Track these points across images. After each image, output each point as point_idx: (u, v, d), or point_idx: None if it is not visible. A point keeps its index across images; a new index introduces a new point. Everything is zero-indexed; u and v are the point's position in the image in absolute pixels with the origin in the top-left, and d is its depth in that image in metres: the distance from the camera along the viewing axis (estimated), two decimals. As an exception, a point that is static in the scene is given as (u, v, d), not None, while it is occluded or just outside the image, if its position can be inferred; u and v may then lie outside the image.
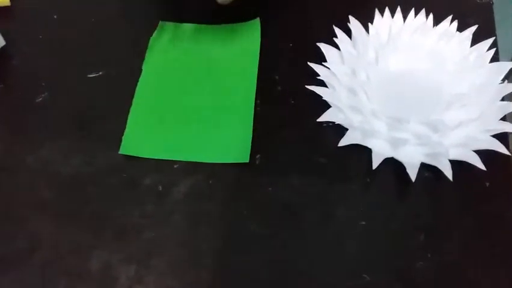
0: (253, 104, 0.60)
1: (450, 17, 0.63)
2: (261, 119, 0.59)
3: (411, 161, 0.54)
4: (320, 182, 0.55)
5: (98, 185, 0.55)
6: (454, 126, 0.54)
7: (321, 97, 0.59)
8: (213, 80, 0.63)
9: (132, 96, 0.61)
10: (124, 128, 0.59)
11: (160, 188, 0.55)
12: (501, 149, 0.54)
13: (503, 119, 0.56)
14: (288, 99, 0.61)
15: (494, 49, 0.60)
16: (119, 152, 0.57)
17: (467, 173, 0.54)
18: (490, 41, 0.60)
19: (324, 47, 0.62)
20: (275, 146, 0.57)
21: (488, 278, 0.49)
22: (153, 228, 0.53)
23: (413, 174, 0.53)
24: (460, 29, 0.62)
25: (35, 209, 0.54)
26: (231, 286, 0.50)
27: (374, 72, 0.59)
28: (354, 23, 0.63)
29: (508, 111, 0.56)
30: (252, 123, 0.58)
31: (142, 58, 0.64)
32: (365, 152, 0.55)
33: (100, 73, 0.64)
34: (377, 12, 0.63)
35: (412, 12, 0.63)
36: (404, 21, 0.63)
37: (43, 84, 0.63)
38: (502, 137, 0.55)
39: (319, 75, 0.60)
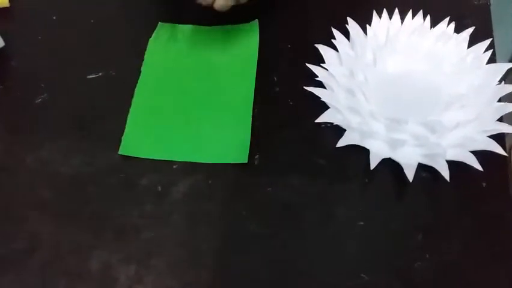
0: (252, 105, 0.60)
1: (447, 19, 0.63)
2: (259, 120, 0.59)
3: (409, 161, 0.54)
4: (318, 182, 0.55)
5: (98, 185, 0.56)
6: (451, 127, 0.55)
7: (320, 98, 0.59)
8: (211, 80, 0.63)
9: (131, 97, 0.61)
10: (124, 128, 0.59)
11: (159, 188, 0.55)
12: (498, 149, 0.54)
13: (500, 119, 0.56)
14: (286, 100, 0.61)
15: (492, 50, 0.61)
16: (119, 153, 0.57)
17: (464, 173, 0.54)
18: (487, 42, 0.61)
19: (322, 49, 0.62)
20: (274, 146, 0.58)
21: (486, 278, 0.50)
22: (153, 228, 0.53)
23: (410, 174, 0.53)
24: (458, 30, 0.63)
25: (35, 209, 0.54)
26: (230, 286, 0.50)
27: (372, 74, 0.60)
28: (352, 25, 0.63)
29: (505, 112, 0.56)
30: (250, 124, 0.59)
31: (141, 59, 0.65)
32: (363, 152, 0.56)
33: (100, 74, 0.64)
34: (374, 13, 0.64)
35: (410, 13, 0.64)
36: (402, 22, 0.64)
37: (42, 85, 0.63)
38: (498, 137, 0.55)
39: (317, 77, 0.60)
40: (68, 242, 0.52)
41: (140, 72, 0.64)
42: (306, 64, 0.61)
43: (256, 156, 0.57)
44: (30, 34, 0.68)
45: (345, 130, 0.57)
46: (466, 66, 0.60)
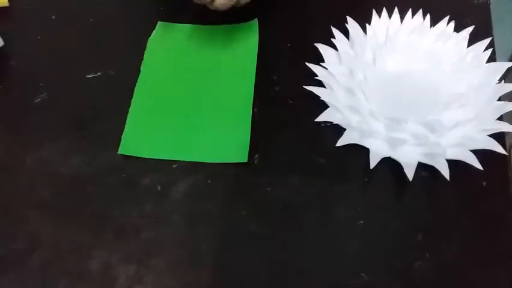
0: (252, 104, 0.60)
1: (447, 18, 0.63)
2: (259, 119, 0.59)
3: (409, 160, 0.54)
4: (318, 182, 0.55)
5: (98, 185, 0.56)
6: (451, 126, 0.55)
7: (319, 97, 0.59)
8: (211, 80, 0.63)
9: (131, 97, 0.61)
10: (123, 128, 0.59)
11: (159, 187, 0.55)
12: (498, 148, 0.54)
13: (500, 118, 0.56)
14: (286, 99, 0.61)
15: (491, 49, 0.60)
16: (118, 152, 0.57)
17: (464, 172, 0.54)
18: (487, 41, 0.61)
19: (322, 48, 0.62)
20: (274, 145, 0.58)
21: (486, 277, 0.50)
22: (152, 228, 0.53)
23: (410, 173, 0.53)
24: (457, 29, 0.63)
25: (35, 209, 0.54)
26: (230, 286, 0.50)
27: (372, 73, 0.59)
28: (351, 24, 0.63)
29: (505, 111, 0.56)
30: (250, 123, 0.59)
31: (140, 58, 0.65)
32: (362, 151, 0.56)
33: (99, 73, 0.64)
34: (374, 13, 0.64)
35: (409, 12, 0.64)
36: (402, 21, 0.64)
37: (42, 84, 0.63)
38: (498, 136, 0.55)
39: (317, 76, 0.60)
40: (68, 242, 0.52)
41: (139, 71, 0.64)
42: (306, 63, 0.61)
43: (256, 156, 0.57)
44: (30, 34, 0.68)
45: (344, 129, 0.57)
46: (466, 65, 0.60)
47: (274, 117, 0.60)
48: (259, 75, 0.62)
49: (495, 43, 0.63)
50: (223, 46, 0.66)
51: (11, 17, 0.70)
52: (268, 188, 0.55)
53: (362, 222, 0.53)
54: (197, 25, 0.67)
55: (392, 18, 0.64)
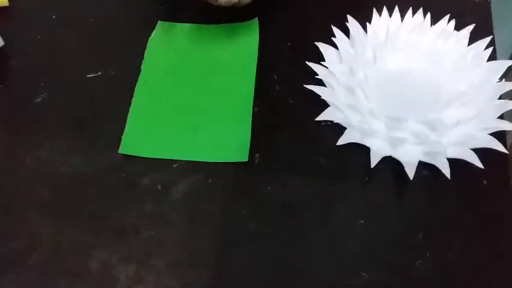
0: (252, 104, 0.60)
1: (447, 16, 0.63)
2: (259, 118, 0.59)
3: (410, 159, 0.54)
4: (318, 181, 0.55)
5: (98, 184, 0.56)
6: (452, 125, 0.54)
7: (320, 96, 0.59)
8: (211, 79, 0.63)
9: (131, 96, 0.61)
10: (124, 127, 0.59)
11: (159, 187, 0.55)
12: (499, 147, 0.54)
13: (501, 117, 0.56)
14: (286, 98, 0.61)
15: (492, 48, 0.60)
16: (119, 152, 0.57)
17: (465, 171, 0.54)
18: (488, 39, 0.61)
19: (322, 46, 0.62)
20: (274, 145, 0.58)
21: (486, 276, 0.50)
22: (152, 227, 0.53)
23: (411, 172, 0.53)
24: (458, 27, 0.62)
25: (34, 209, 0.54)
26: (230, 286, 0.50)
27: (372, 72, 0.59)
28: (352, 23, 0.63)
29: (506, 110, 0.56)
30: (250, 123, 0.59)
31: (141, 58, 0.65)
32: (363, 150, 0.56)
33: (99, 73, 0.64)
34: (374, 11, 0.64)
35: (410, 11, 0.63)
36: (402, 20, 0.63)
37: (42, 84, 0.63)
38: (499, 135, 0.55)
39: (317, 75, 0.60)
40: (68, 242, 0.52)
41: (140, 71, 0.63)
42: (306, 62, 0.61)
43: (257, 155, 0.57)
44: (30, 33, 0.68)
45: (345, 128, 0.57)
46: (466, 63, 0.60)
47: (275, 116, 0.60)
48: (259, 75, 0.62)
49: (496, 41, 0.63)
50: (224, 45, 0.66)
51: (11, 17, 0.70)
52: (269, 188, 0.55)
53: (362, 221, 0.53)
54: (197, 24, 0.67)
55: (392, 16, 0.64)
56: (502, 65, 0.59)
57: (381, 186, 0.55)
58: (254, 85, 0.62)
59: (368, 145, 0.56)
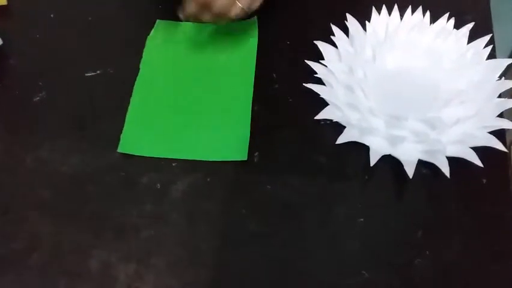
0: (251, 102, 0.60)
1: (447, 15, 0.63)
2: (258, 117, 0.59)
3: (409, 158, 0.54)
4: (318, 180, 0.55)
5: (97, 184, 0.55)
6: (451, 123, 0.54)
7: (319, 95, 0.59)
8: (210, 78, 0.63)
9: (130, 95, 0.61)
10: (123, 126, 0.59)
11: (159, 186, 0.55)
12: (498, 145, 0.54)
13: (501, 115, 0.56)
14: (285, 97, 0.61)
15: (491, 46, 0.60)
16: (118, 151, 0.57)
17: (464, 169, 0.54)
18: (487, 38, 0.61)
19: (321, 45, 0.62)
20: (273, 144, 0.58)
21: (486, 275, 0.50)
22: (152, 227, 0.53)
23: (410, 171, 0.53)
24: (457, 26, 0.62)
25: (34, 209, 0.54)
26: (230, 285, 0.50)
27: (371, 70, 0.59)
28: (351, 21, 0.63)
29: (505, 108, 0.56)
30: (249, 121, 0.59)
31: (139, 56, 0.64)
32: (362, 149, 0.56)
33: (98, 72, 0.64)
34: (374, 10, 0.64)
35: (409, 9, 0.63)
36: (401, 19, 0.63)
37: (41, 83, 0.63)
38: (499, 133, 0.55)
39: (316, 73, 0.60)
40: (68, 241, 0.52)
41: (138, 70, 0.63)
42: (305, 61, 0.61)
43: (256, 154, 0.57)
44: (29, 32, 0.68)
45: (344, 127, 0.57)
46: (466, 62, 0.60)
47: (274, 115, 0.60)
48: (258, 73, 0.62)
49: (495, 40, 0.63)
50: (223, 44, 0.66)
51: (9, 16, 0.70)
52: (268, 186, 0.55)
53: (362, 220, 0.53)
54: (196, 23, 0.67)
55: (391, 15, 0.64)
56: (501, 63, 0.59)
57: (381, 185, 0.55)
58: (253, 84, 0.62)
59: (367, 144, 0.56)
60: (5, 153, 0.58)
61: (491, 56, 0.60)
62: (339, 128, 0.57)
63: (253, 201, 0.54)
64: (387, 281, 0.50)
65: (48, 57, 0.66)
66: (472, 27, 0.62)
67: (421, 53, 0.61)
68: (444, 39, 0.62)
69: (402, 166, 0.54)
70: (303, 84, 0.60)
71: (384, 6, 0.64)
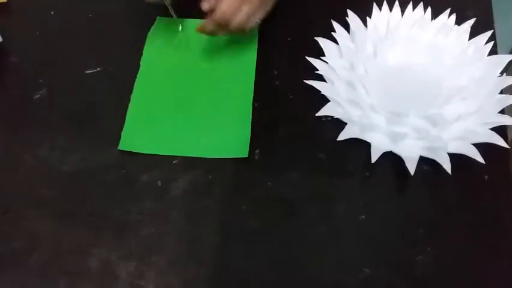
0: (252, 99, 0.60)
1: (448, 10, 0.63)
2: (259, 114, 0.59)
3: (410, 154, 0.54)
4: (319, 177, 0.55)
5: (98, 181, 0.55)
6: (452, 119, 0.54)
7: (320, 91, 0.59)
8: (211, 75, 0.63)
9: (130, 92, 0.61)
10: (123, 123, 0.59)
11: (159, 183, 0.55)
12: (500, 142, 0.54)
13: (502, 112, 0.56)
14: (286, 94, 0.61)
15: (493, 42, 0.60)
16: (118, 148, 0.57)
17: (465, 166, 0.54)
18: (489, 33, 0.60)
19: (322, 42, 0.62)
20: (274, 141, 0.57)
21: (486, 271, 0.50)
22: (152, 224, 0.53)
23: (412, 168, 0.53)
24: (458, 22, 0.62)
25: (34, 208, 0.54)
26: (230, 282, 0.50)
27: (372, 66, 0.59)
28: (352, 17, 0.63)
29: (507, 104, 0.56)
30: (250, 119, 0.58)
31: (140, 54, 0.64)
32: (364, 146, 0.55)
33: (98, 69, 0.64)
34: (375, 6, 0.63)
35: (410, 5, 0.63)
36: (402, 15, 0.63)
37: (41, 81, 0.63)
38: (500, 130, 0.55)
39: (317, 70, 0.60)
40: (68, 240, 0.52)
41: (139, 67, 0.63)
42: (306, 57, 0.61)
43: (257, 151, 0.56)
44: (28, 29, 0.68)
45: (345, 123, 0.57)
46: (467, 58, 0.60)
47: (275, 112, 0.59)
48: (259, 70, 0.62)
49: (496, 36, 0.62)
50: (223, 41, 0.65)
51: (9, 13, 0.70)
52: (269, 183, 0.55)
53: (363, 217, 0.52)
54: (196, 20, 0.67)
55: (392, 11, 0.64)
56: (502, 59, 0.58)
57: (382, 182, 0.55)
58: (254, 81, 0.61)
59: (368, 140, 0.56)
60: (4, 151, 0.58)
61: (493, 52, 0.60)
62: (340, 124, 0.57)
63: (253, 198, 0.54)
64: (388, 277, 0.49)
65: (48, 55, 0.65)
66: (473, 23, 0.62)
67: (422, 49, 0.61)
68: (445, 35, 0.61)
69: (404, 163, 0.53)
70: (304, 80, 0.59)
71: (385, 2, 0.64)
